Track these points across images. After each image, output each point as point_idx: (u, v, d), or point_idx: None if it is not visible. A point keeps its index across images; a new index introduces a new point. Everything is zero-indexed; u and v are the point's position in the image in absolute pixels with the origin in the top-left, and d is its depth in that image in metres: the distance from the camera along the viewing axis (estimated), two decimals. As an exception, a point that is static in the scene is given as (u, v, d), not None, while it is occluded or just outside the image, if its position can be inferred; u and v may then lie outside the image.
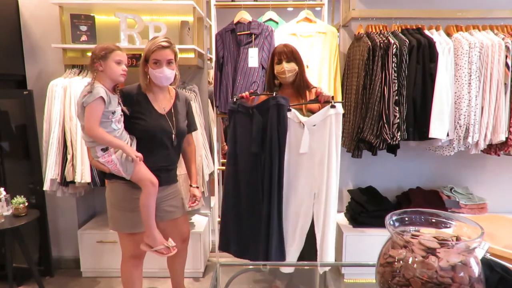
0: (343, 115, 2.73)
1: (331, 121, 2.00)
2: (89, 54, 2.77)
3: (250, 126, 2.09)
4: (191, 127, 2.11)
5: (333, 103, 1.99)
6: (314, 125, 2.03)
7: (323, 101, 2.07)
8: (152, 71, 1.85)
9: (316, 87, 2.18)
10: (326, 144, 2.02)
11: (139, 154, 1.80)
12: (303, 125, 2.02)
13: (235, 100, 2.15)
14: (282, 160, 2.04)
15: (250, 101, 2.20)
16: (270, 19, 2.91)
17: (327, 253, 2.08)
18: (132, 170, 1.80)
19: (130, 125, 1.86)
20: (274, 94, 2.03)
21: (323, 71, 2.67)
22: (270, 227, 2.05)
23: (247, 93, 2.17)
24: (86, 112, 1.70)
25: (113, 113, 1.76)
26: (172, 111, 1.97)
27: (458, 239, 0.94)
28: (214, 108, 2.90)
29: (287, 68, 2.08)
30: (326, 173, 2.03)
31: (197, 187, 2.18)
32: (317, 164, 2.05)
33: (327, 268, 1.88)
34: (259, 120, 2.04)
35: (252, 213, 2.12)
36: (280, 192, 2.05)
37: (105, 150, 1.77)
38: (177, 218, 2.09)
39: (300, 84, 2.13)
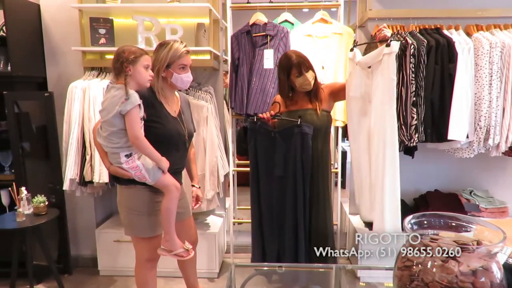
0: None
1: (384, 62, 1.85)
2: (108, 56, 2.83)
3: (271, 148, 2.12)
4: (194, 128, 2.13)
5: (389, 42, 1.83)
6: (369, 67, 1.92)
7: (378, 39, 2.01)
8: (178, 76, 1.86)
9: (326, 84, 2.19)
10: (380, 88, 1.87)
11: (168, 165, 1.81)
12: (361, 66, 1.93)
13: (255, 119, 2.14)
14: (307, 185, 2.08)
15: (271, 122, 2.18)
16: (286, 21, 2.91)
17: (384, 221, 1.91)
18: (157, 176, 1.79)
19: (146, 129, 1.83)
20: (298, 122, 2.03)
21: (338, 72, 2.66)
22: (298, 241, 2.12)
23: (268, 114, 2.13)
24: (127, 120, 1.68)
25: (141, 119, 1.76)
26: (181, 113, 1.99)
27: (479, 243, 0.92)
28: (229, 109, 2.92)
29: (311, 79, 2.08)
30: (383, 122, 1.87)
31: (199, 187, 2.19)
32: (373, 110, 1.92)
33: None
34: (281, 145, 2.08)
35: (279, 231, 2.20)
36: (305, 212, 2.10)
37: (129, 156, 1.75)
38: (186, 220, 2.10)
39: (317, 87, 2.14)
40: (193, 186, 2.17)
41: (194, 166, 2.19)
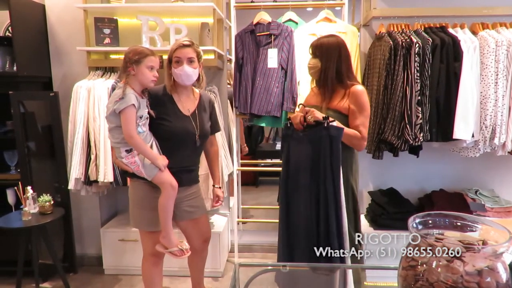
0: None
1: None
2: (113, 56, 2.84)
3: (301, 152, 1.88)
4: (215, 128, 2.13)
5: (325, 125, 1.77)
6: None
7: (312, 121, 1.81)
8: (174, 70, 1.88)
9: (355, 83, 1.93)
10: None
11: (166, 163, 1.84)
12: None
13: (288, 125, 1.93)
14: (339, 194, 1.80)
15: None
16: (290, 20, 2.91)
17: None
18: (154, 173, 1.83)
19: (155, 126, 1.89)
20: (325, 124, 1.77)
21: (343, 71, 2.64)
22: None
23: (300, 119, 1.87)
24: (122, 119, 1.74)
25: (140, 117, 1.80)
26: (196, 112, 1.99)
27: (484, 243, 0.91)
28: (233, 108, 2.92)
29: (309, 65, 1.95)
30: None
31: (220, 187, 2.21)
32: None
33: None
34: (309, 149, 1.83)
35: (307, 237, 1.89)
36: (340, 229, 1.79)
37: (129, 151, 1.81)
38: (197, 218, 2.11)
39: (322, 83, 1.94)
40: (213, 186, 2.21)
41: (216, 167, 2.21)
